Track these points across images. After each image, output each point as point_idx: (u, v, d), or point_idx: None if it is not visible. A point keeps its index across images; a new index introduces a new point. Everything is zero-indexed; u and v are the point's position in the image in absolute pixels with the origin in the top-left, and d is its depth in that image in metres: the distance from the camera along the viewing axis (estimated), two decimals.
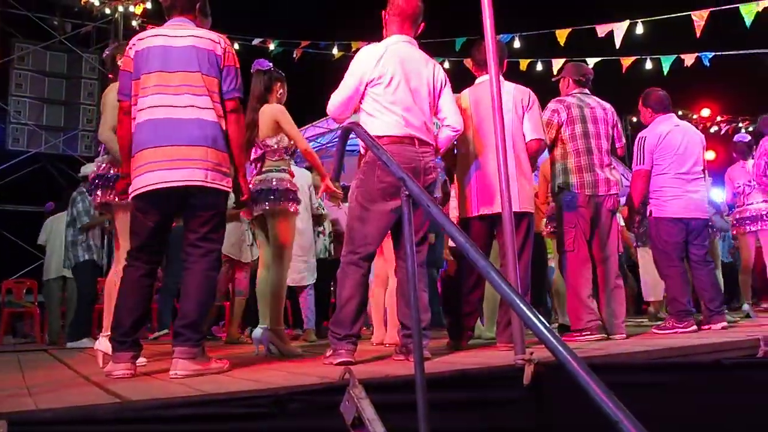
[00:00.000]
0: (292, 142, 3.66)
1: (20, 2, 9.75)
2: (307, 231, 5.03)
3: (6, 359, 4.35)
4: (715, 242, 6.11)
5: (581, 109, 3.89)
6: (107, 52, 3.75)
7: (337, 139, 11.06)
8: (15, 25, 9.98)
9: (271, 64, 3.86)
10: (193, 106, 2.63)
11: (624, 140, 4.12)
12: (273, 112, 3.65)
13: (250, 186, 3.65)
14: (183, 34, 2.73)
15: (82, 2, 9.52)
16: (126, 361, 2.59)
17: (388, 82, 2.94)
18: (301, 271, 5.07)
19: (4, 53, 9.65)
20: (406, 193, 1.70)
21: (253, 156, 3.68)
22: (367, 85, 2.97)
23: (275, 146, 3.63)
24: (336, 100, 3.03)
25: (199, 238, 2.67)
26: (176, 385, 2.27)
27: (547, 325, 1.29)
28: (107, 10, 9.74)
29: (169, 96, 2.62)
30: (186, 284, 2.65)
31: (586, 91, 4.05)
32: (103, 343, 3.25)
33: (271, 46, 8.92)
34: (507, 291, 1.36)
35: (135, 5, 9.54)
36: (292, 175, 3.74)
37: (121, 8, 9.72)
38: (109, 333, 2.99)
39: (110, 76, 3.64)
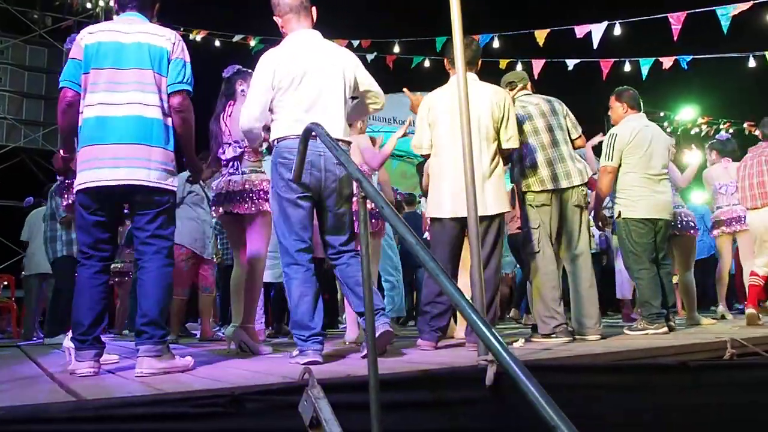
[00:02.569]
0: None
1: None
2: None
3: None
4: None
5: (524, 108, 3.90)
6: None
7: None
8: None
9: (236, 67, 3.85)
10: (140, 103, 2.62)
11: (579, 130, 4.04)
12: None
13: (225, 186, 3.66)
14: (136, 30, 2.70)
15: None
16: (89, 359, 2.58)
17: (290, 82, 2.92)
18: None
19: None
20: (362, 194, 1.70)
21: (230, 155, 3.67)
22: (275, 90, 2.95)
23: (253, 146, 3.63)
24: (245, 112, 3.02)
25: (149, 236, 2.67)
26: (136, 384, 2.27)
27: (491, 328, 1.30)
28: (88, 5, 9.66)
29: (118, 93, 2.61)
30: (142, 283, 2.64)
31: (527, 91, 4.07)
32: (71, 341, 3.24)
33: (252, 43, 8.87)
34: (454, 293, 1.37)
35: None
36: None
37: (102, 2, 9.63)
38: None
39: None
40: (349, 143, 3.05)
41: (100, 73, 2.63)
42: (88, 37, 2.70)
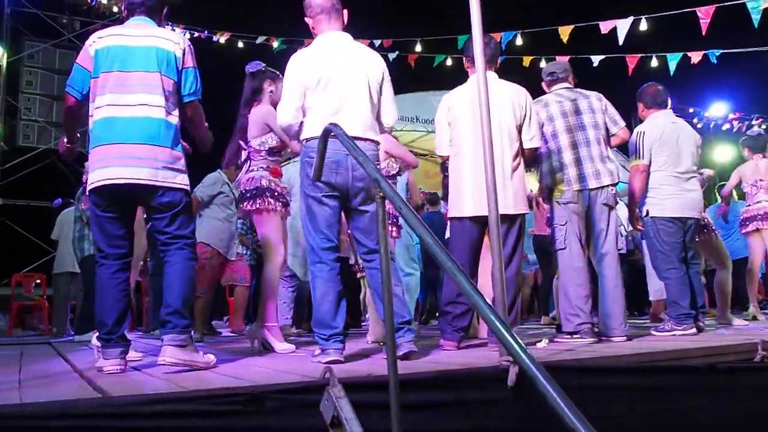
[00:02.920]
0: (277, 142, 3.68)
1: (30, 1, 9.87)
2: None
3: (11, 352, 4.42)
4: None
5: (560, 104, 3.84)
6: None
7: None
8: (25, 24, 10.11)
9: (262, 64, 3.88)
10: (147, 104, 2.66)
11: (621, 123, 3.96)
12: (263, 113, 3.69)
13: (243, 185, 3.70)
14: (144, 33, 2.75)
15: (89, 1, 9.60)
16: (115, 357, 2.63)
17: (317, 82, 2.94)
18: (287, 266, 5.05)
19: (15, 51, 9.76)
20: (380, 194, 1.70)
21: (244, 156, 3.73)
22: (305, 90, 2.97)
23: (258, 147, 3.68)
24: (281, 110, 3.04)
25: (169, 237, 2.72)
26: (160, 381, 2.30)
27: (510, 329, 1.29)
28: (114, 9, 9.81)
29: (126, 95, 2.66)
30: (167, 275, 2.70)
31: (566, 85, 3.99)
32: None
33: (275, 44, 8.93)
34: (472, 293, 1.37)
35: None
36: (278, 175, 3.76)
37: None
38: None
39: None
40: (377, 143, 3.05)
41: (108, 76, 2.68)
42: (98, 42, 2.75)
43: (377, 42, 8.04)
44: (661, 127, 4.21)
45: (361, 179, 2.91)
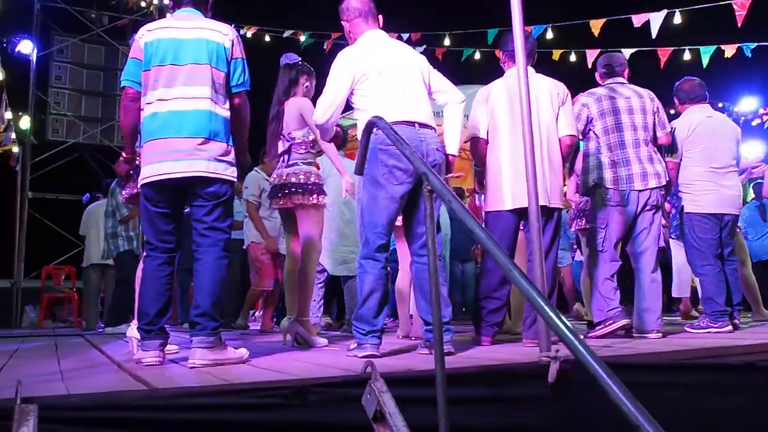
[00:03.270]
0: (309, 137, 3.67)
1: None
2: (348, 224, 5.04)
3: (45, 344, 4.48)
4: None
5: (612, 101, 3.77)
6: None
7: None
8: (55, 19, 10.22)
9: (299, 58, 3.88)
10: (198, 97, 2.66)
11: (668, 128, 3.93)
12: (299, 105, 3.67)
13: (277, 179, 3.69)
14: (193, 26, 2.75)
15: None
16: (154, 348, 2.65)
17: (376, 73, 2.93)
18: (348, 262, 5.05)
19: (45, 46, 9.88)
20: (428, 188, 1.69)
21: (280, 149, 3.71)
22: (354, 84, 2.96)
23: (301, 139, 3.65)
24: (324, 105, 3.01)
25: (206, 227, 2.70)
26: (202, 374, 2.31)
27: (568, 323, 1.27)
28: (143, 3, 9.90)
29: (177, 88, 2.66)
30: (198, 275, 2.69)
31: (620, 80, 3.91)
32: (135, 330, 3.33)
33: (302, 38, 8.93)
34: (528, 288, 1.35)
35: None
36: (318, 168, 3.76)
37: (156, 1, 9.86)
38: None
39: None
40: (434, 129, 3.02)
41: (161, 69, 2.69)
42: (147, 35, 2.75)
43: (405, 35, 8.01)
44: (695, 123, 4.12)
45: (434, 165, 2.91)
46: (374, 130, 2.77)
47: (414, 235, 3.01)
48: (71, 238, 9.79)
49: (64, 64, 10.12)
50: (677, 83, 4.37)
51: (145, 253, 2.78)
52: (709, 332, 3.89)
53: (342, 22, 3.16)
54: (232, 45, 2.77)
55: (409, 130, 2.84)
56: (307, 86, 3.80)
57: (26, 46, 9.09)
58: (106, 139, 10.31)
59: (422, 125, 2.93)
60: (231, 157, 2.75)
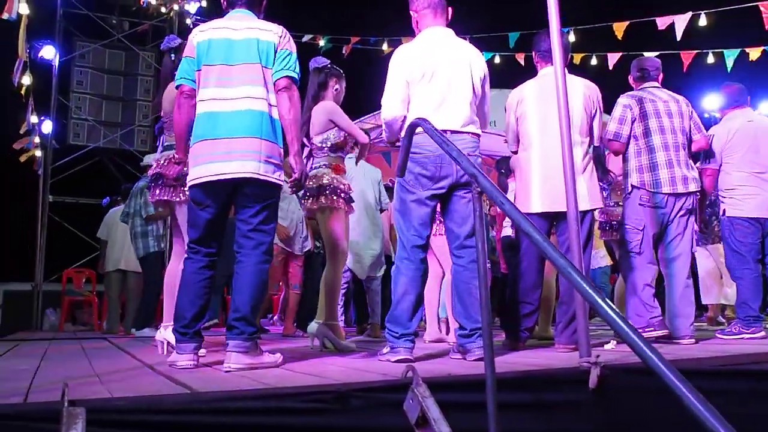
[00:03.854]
0: (339, 138, 3.66)
1: (81, 2, 10.05)
2: (371, 227, 5.03)
3: (71, 347, 4.49)
4: None
5: (653, 103, 3.74)
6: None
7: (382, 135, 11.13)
8: (76, 25, 10.31)
9: (328, 61, 3.87)
10: (249, 97, 2.65)
11: (704, 130, 3.92)
12: (326, 109, 3.67)
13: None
14: (245, 26, 2.75)
15: (140, 2, 9.75)
16: (189, 352, 2.64)
17: (421, 77, 2.92)
18: (368, 265, 5.03)
19: (67, 51, 9.97)
20: (478, 189, 1.66)
21: (304, 153, 3.72)
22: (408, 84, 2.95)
23: (320, 144, 3.67)
24: (386, 103, 3.01)
25: (250, 229, 2.68)
26: (240, 377, 2.30)
27: (635, 328, 1.24)
28: (163, 9, 9.95)
29: (228, 88, 2.65)
30: (238, 278, 2.68)
31: (655, 84, 3.89)
32: (164, 334, 3.33)
33: (321, 43, 8.95)
34: (588, 291, 1.32)
35: (190, 4, 9.72)
36: (342, 171, 3.75)
37: (176, 7, 9.91)
38: (171, 324, 3.07)
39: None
40: (477, 135, 3.01)
41: (211, 69, 2.68)
42: (199, 35, 2.76)
43: None
44: (734, 128, 4.12)
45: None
46: (403, 133, 2.78)
47: (451, 235, 2.99)
48: (91, 242, 9.83)
49: (86, 69, 10.18)
50: (721, 90, 4.36)
51: (186, 255, 2.76)
52: (742, 338, 3.85)
53: (410, 11, 3.14)
54: (280, 39, 2.75)
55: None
56: (336, 89, 3.80)
57: (49, 52, 9.17)
58: (125, 144, 10.36)
59: (454, 132, 2.89)
60: (280, 159, 2.73)
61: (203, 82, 2.70)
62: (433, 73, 2.92)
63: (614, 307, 1.29)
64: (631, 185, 3.72)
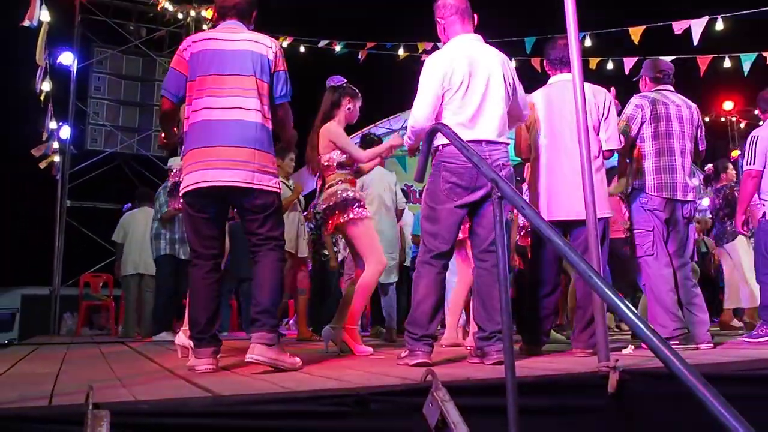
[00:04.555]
0: (343, 158, 3.71)
1: (99, 9, 10.20)
2: (390, 230, 5.04)
3: (90, 351, 4.54)
4: None
5: (665, 106, 3.71)
6: None
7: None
8: (94, 31, 10.46)
9: (344, 80, 3.89)
10: (242, 108, 2.69)
11: (705, 144, 3.91)
12: (329, 131, 3.73)
13: (320, 206, 3.77)
14: (238, 37, 2.79)
15: (158, 8, 9.87)
16: (208, 356, 2.68)
17: (458, 86, 2.91)
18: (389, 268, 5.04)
19: (85, 57, 10.10)
20: (498, 194, 1.67)
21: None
22: (443, 92, 2.94)
23: (326, 163, 3.72)
24: (416, 110, 2.99)
25: (261, 238, 2.74)
26: (260, 381, 2.32)
27: (657, 332, 1.24)
28: (180, 15, 10.06)
29: (222, 98, 2.69)
30: (258, 275, 2.72)
31: (670, 87, 3.86)
32: (182, 337, 3.36)
33: (337, 48, 8.99)
34: (611, 296, 1.32)
35: (206, 10, 9.83)
36: (353, 183, 3.78)
37: (193, 13, 10.02)
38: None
39: None
40: (506, 143, 3.01)
41: (205, 79, 2.72)
42: (192, 45, 2.80)
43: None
44: None
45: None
46: (439, 142, 2.80)
47: (477, 239, 2.99)
48: (108, 246, 9.93)
49: (103, 75, 10.34)
50: (762, 92, 4.35)
51: (191, 263, 2.80)
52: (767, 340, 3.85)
53: (437, 18, 3.13)
54: (275, 57, 2.81)
55: (475, 148, 2.83)
56: (349, 108, 3.82)
57: (67, 58, 9.31)
58: (142, 149, 10.49)
59: (490, 142, 2.91)
60: (274, 167, 2.78)
61: (197, 92, 2.73)
62: (470, 83, 2.91)
63: (635, 310, 1.29)
64: (632, 187, 3.71)
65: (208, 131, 2.68)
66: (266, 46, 2.80)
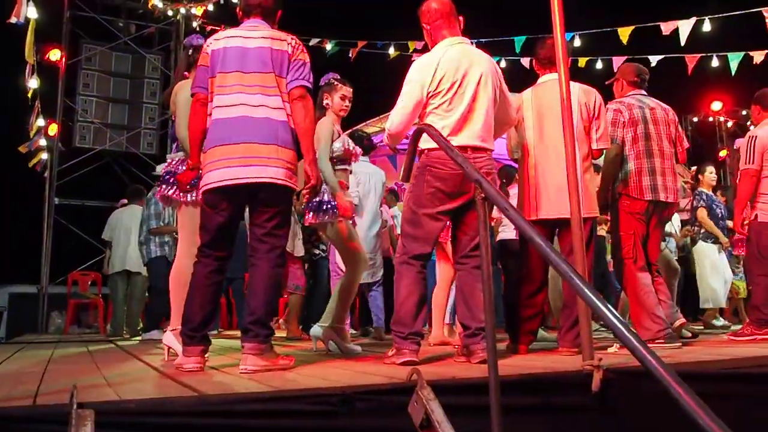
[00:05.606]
0: (341, 152, 3.70)
1: (88, 5, 10.13)
2: (374, 229, 5.05)
3: (77, 350, 4.53)
4: None
5: (642, 110, 3.75)
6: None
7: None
8: (83, 27, 10.37)
9: (330, 76, 3.89)
10: (264, 105, 2.69)
11: (686, 144, 3.95)
12: (317, 126, 3.71)
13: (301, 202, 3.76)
14: (258, 35, 2.78)
15: (149, 6, 9.81)
16: (196, 354, 2.67)
17: (445, 91, 2.90)
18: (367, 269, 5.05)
19: (73, 54, 10.03)
20: (482, 195, 1.69)
21: None
22: (428, 96, 2.92)
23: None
24: (395, 115, 2.98)
25: (264, 233, 2.72)
26: (246, 380, 2.32)
27: (634, 332, 1.26)
28: (170, 12, 10.01)
29: (245, 95, 2.68)
30: (252, 281, 2.71)
31: (644, 92, 3.90)
32: (169, 338, 3.35)
33: (328, 47, 8.99)
34: (590, 296, 1.34)
35: (196, 7, 9.79)
36: (346, 187, 3.77)
37: (183, 10, 9.97)
38: (176, 328, 3.09)
39: (186, 74, 3.56)
40: (490, 150, 3.01)
41: (226, 76, 2.72)
42: (214, 43, 2.80)
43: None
44: None
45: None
46: (425, 146, 2.80)
47: (459, 244, 3.01)
48: (97, 245, 9.88)
49: (92, 72, 10.25)
50: (759, 91, 4.38)
51: (196, 259, 2.77)
52: (754, 339, 3.92)
53: (422, 24, 3.12)
54: (293, 49, 2.79)
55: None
56: (327, 103, 3.82)
57: (55, 54, 9.24)
58: (132, 146, 10.42)
59: (475, 149, 2.91)
60: (295, 165, 2.76)
61: (218, 89, 2.73)
62: (457, 89, 2.91)
63: (614, 311, 1.31)
64: (617, 190, 3.73)
65: (230, 128, 2.66)
66: (287, 42, 2.79)
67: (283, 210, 2.74)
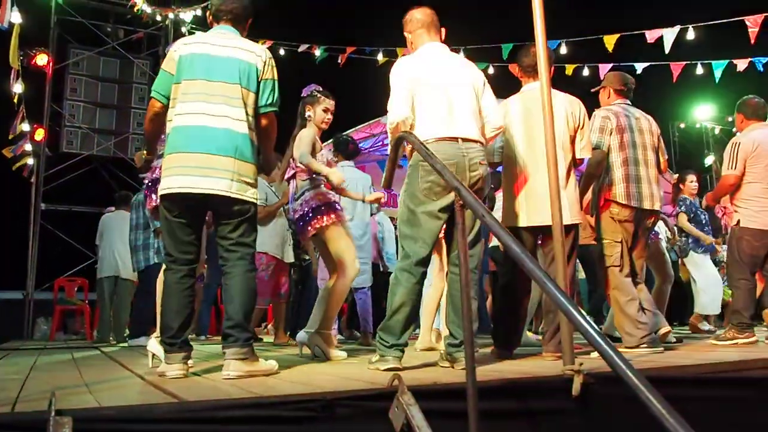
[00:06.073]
0: (324, 159, 3.72)
1: (76, 10, 10.09)
2: (364, 234, 5.06)
3: (61, 357, 4.50)
4: None
5: (627, 119, 3.79)
6: None
7: (379, 144, 11.20)
8: (71, 32, 10.33)
9: (312, 88, 3.90)
10: (227, 116, 2.69)
11: (666, 155, 4.03)
12: (298, 137, 3.74)
13: (293, 214, 3.79)
14: (228, 44, 2.78)
15: (134, 10, 9.79)
16: (178, 362, 2.67)
17: (428, 87, 2.94)
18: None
19: (61, 59, 9.99)
20: (461, 202, 1.70)
21: (287, 174, 3.78)
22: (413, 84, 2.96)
23: (300, 167, 3.72)
24: (395, 106, 2.98)
25: (231, 243, 2.74)
26: (228, 386, 2.32)
27: (605, 337, 1.28)
28: (158, 18, 10.00)
29: (208, 105, 2.68)
30: (228, 288, 2.72)
31: (629, 101, 3.96)
32: (153, 344, 3.34)
33: (317, 52, 9.01)
34: (563, 302, 1.36)
35: (185, 12, 9.78)
36: (328, 187, 3.78)
37: (171, 15, 9.97)
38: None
39: None
40: (481, 143, 3.02)
41: (192, 84, 2.71)
42: (182, 48, 2.79)
43: None
44: (758, 140, 4.20)
45: (478, 179, 2.93)
46: (404, 143, 2.81)
47: (455, 242, 2.98)
48: (84, 250, 9.83)
49: (80, 76, 10.20)
50: (741, 100, 4.45)
51: (164, 267, 2.79)
52: (736, 343, 3.97)
53: (405, 33, 3.19)
54: (264, 65, 2.80)
55: (450, 146, 2.85)
56: (309, 115, 3.82)
57: (42, 59, 9.20)
58: (119, 152, 10.37)
59: (465, 140, 2.92)
60: (254, 178, 2.77)
61: (182, 96, 2.72)
62: (438, 85, 2.95)
63: (587, 316, 1.33)
64: (604, 199, 3.77)
65: (190, 136, 2.66)
66: (256, 54, 2.79)
67: (246, 219, 2.74)
